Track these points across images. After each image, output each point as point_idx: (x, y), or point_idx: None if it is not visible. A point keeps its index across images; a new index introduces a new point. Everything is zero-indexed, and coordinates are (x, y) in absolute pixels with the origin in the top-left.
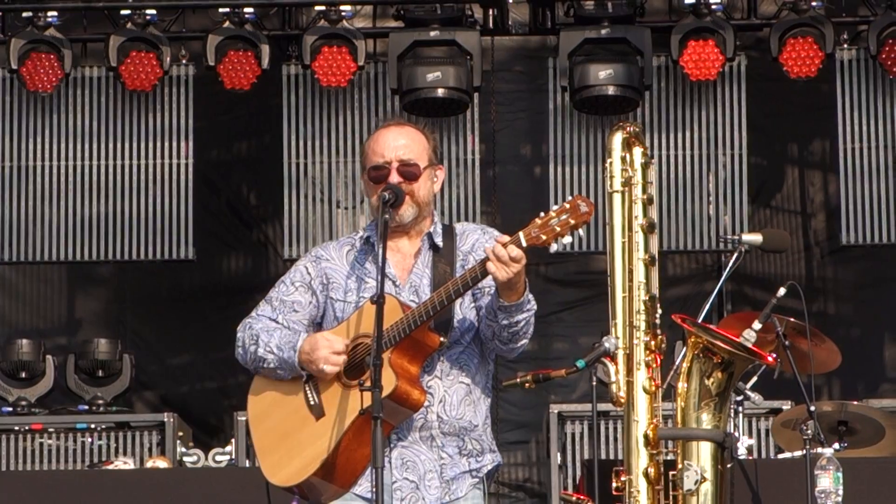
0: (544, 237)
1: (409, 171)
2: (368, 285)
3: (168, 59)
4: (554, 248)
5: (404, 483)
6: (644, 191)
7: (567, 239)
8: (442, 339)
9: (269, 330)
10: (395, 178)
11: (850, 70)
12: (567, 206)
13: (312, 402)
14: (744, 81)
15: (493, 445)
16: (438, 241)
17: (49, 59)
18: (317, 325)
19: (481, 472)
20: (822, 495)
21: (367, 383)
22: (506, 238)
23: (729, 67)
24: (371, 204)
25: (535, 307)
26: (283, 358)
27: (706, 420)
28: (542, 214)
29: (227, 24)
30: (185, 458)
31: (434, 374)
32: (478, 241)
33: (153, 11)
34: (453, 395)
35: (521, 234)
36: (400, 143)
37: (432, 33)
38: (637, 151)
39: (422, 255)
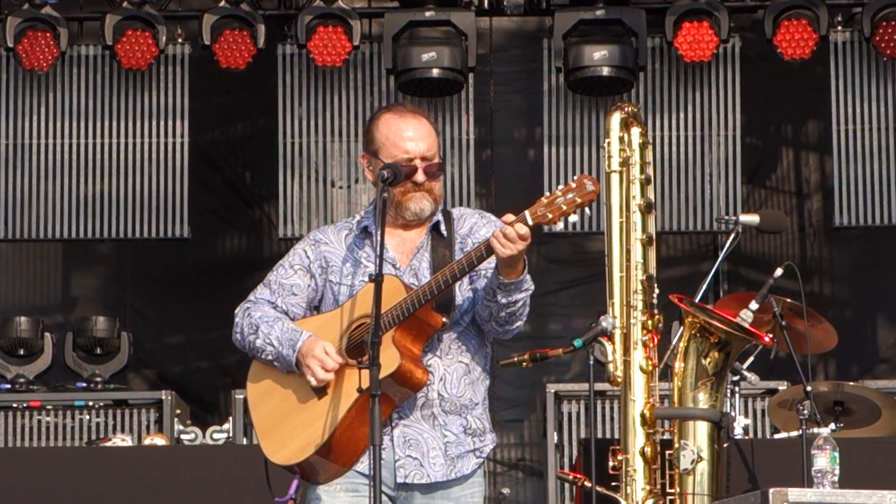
0: (550, 216)
1: (434, 172)
2: (367, 269)
3: (164, 38)
4: (560, 226)
5: (408, 460)
6: (642, 171)
7: (573, 217)
8: (444, 319)
9: (269, 321)
10: (420, 177)
11: (843, 52)
12: (573, 184)
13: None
14: (738, 63)
15: (491, 426)
16: (443, 228)
17: (45, 38)
18: (315, 308)
19: (484, 453)
20: (819, 475)
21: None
22: (511, 216)
23: (723, 49)
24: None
25: (533, 288)
26: (282, 354)
27: (703, 400)
28: (547, 193)
29: (222, 3)
30: (182, 436)
31: (434, 353)
32: (475, 224)
33: None
34: (453, 374)
35: (527, 212)
36: (422, 135)
37: (427, 13)
38: (635, 132)
39: (422, 240)
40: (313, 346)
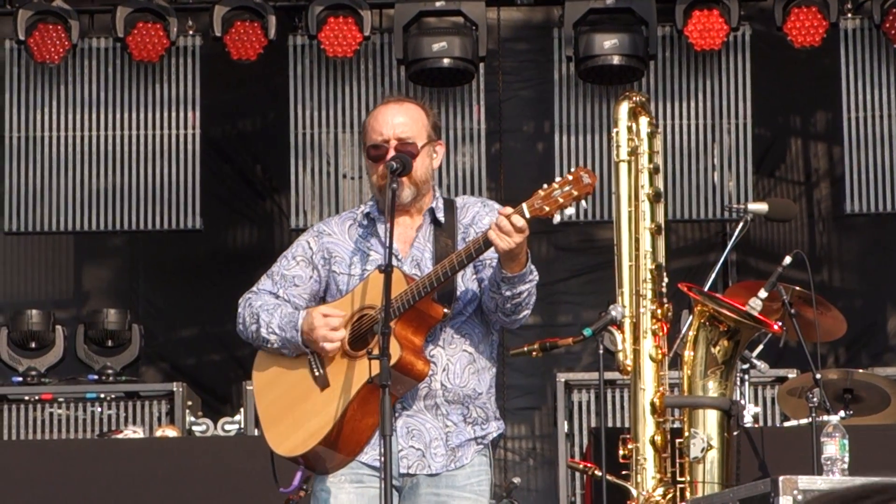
0: (547, 208)
1: (407, 151)
2: (371, 258)
3: (175, 29)
4: (557, 219)
5: (410, 451)
6: (650, 160)
7: (570, 210)
8: (445, 310)
9: (269, 309)
10: (392, 155)
11: (853, 39)
12: (570, 177)
13: (317, 373)
14: (748, 51)
15: (496, 413)
16: (440, 216)
17: (56, 30)
18: (319, 299)
19: (486, 440)
20: (828, 462)
21: (375, 352)
22: (509, 209)
23: (733, 37)
24: (372, 182)
25: (538, 278)
26: (287, 338)
27: (712, 388)
28: (544, 186)
29: None
30: (194, 428)
31: (437, 344)
32: (478, 213)
33: None
34: (456, 364)
35: (524, 205)
36: (398, 120)
37: (438, 3)
38: (643, 121)
39: (423, 230)
40: (312, 318)
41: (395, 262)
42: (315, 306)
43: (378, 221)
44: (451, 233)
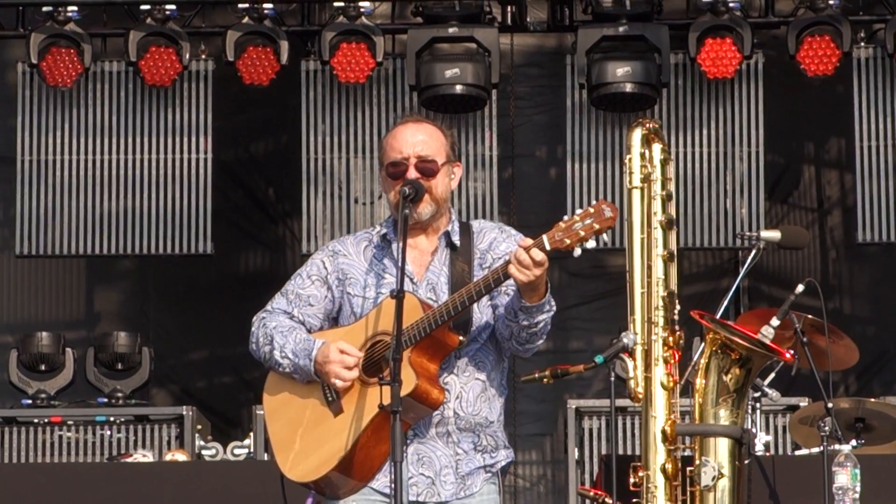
0: (568, 241)
1: (428, 168)
2: (386, 281)
3: (187, 54)
4: (577, 252)
5: (420, 478)
6: (663, 187)
7: (590, 243)
8: (461, 338)
9: (283, 331)
10: (413, 174)
11: (866, 68)
12: (591, 210)
13: (330, 399)
14: (761, 79)
15: (506, 442)
16: (456, 239)
17: (69, 54)
18: (332, 319)
19: (495, 468)
20: (840, 492)
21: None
22: (529, 241)
23: (746, 65)
24: (389, 200)
25: (555, 309)
26: (300, 365)
27: (724, 416)
28: (565, 218)
29: (246, 19)
30: (203, 452)
31: (451, 371)
32: (495, 239)
33: (173, 7)
34: (469, 392)
35: (544, 237)
36: (418, 139)
37: (451, 30)
38: (656, 148)
39: (439, 253)
40: (328, 350)
41: (410, 285)
42: (329, 329)
43: (394, 243)
44: (466, 257)
